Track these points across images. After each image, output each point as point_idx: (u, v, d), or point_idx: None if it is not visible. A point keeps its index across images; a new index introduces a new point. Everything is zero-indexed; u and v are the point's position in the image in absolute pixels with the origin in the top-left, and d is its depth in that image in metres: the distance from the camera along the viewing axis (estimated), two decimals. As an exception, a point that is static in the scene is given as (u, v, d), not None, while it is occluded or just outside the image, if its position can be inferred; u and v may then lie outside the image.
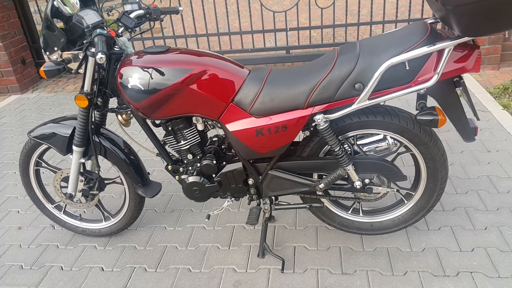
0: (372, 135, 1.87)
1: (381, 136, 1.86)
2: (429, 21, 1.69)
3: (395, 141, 1.85)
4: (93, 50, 1.74)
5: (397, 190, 2.01)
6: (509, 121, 3.11)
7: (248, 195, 2.00)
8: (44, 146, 2.14)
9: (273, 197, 2.04)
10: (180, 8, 2.12)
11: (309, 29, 4.54)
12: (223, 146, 2.01)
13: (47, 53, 1.83)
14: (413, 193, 1.98)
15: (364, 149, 1.89)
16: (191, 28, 6.73)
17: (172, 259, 2.16)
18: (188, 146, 1.94)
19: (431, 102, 1.78)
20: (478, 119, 1.70)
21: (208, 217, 2.05)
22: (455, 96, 1.66)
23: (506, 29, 1.38)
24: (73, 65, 1.86)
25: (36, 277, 2.14)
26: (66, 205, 2.31)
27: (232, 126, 1.77)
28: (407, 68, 1.56)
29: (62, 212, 2.37)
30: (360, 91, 1.62)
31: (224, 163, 1.96)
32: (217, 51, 4.80)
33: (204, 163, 1.91)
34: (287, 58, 4.66)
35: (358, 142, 1.90)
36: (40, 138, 2.07)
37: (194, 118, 1.89)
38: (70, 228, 2.37)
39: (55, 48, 1.81)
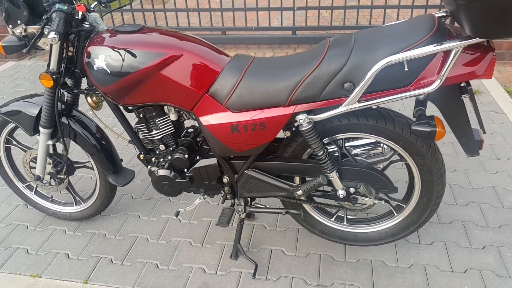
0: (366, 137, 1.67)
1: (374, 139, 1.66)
2: (439, 15, 1.45)
3: (390, 147, 1.65)
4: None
5: (386, 201, 1.82)
6: (525, 126, 2.86)
7: (222, 194, 1.83)
8: (12, 124, 2.00)
9: (249, 198, 1.87)
10: None
11: (318, 9, 4.25)
12: (198, 139, 1.83)
13: (10, 26, 1.65)
14: (404, 206, 1.79)
15: (356, 151, 1.70)
16: (193, 2, 6.41)
17: (140, 252, 2.03)
18: (160, 136, 1.78)
19: (432, 109, 1.56)
20: (484, 132, 1.48)
21: (177, 214, 1.90)
22: (460, 105, 1.44)
23: (524, 33, 1.16)
24: (41, 41, 1.69)
25: (0, 258, 2.04)
26: (37, 185, 2.18)
27: (205, 120, 1.59)
28: (406, 69, 1.35)
29: (33, 192, 2.25)
30: (349, 91, 1.42)
31: (198, 157, 1.79)
32: (219, 28, 4.56)
33: (176, 156, 1.74)
34: (293, 40, 4.39)
35: (350, 144, 1.70)
36: (7, 115, 1.93)
37: (166, 107, 1.71)
38: (41, 209, 2.26)
39: (18, 22, 1.63)
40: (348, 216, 1.92)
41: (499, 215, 2.11)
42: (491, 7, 1.12)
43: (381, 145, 1.66)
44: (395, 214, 1.83)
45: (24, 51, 1.59)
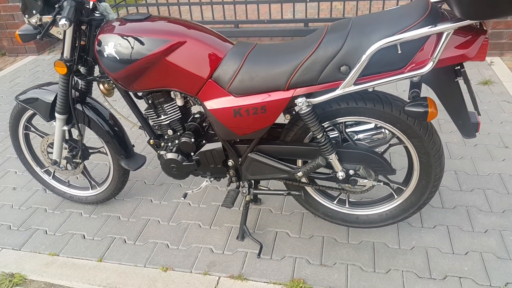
0: (368, 122, 1.72)
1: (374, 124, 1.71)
2: (434, 0, 1.48)
3: (388, 131, 1.69)
4: None
5: (386, 184, 1.87)
6: (536, 114, 2.84)
7: (227, 176, 1.91)
8: (31, 111, 2.11)
9: (253, 181, 1.94)
10: None
11: (330, 1, 4.27)
12: (204, 124, 1.91)
13: (26, 16, 1.76)
14: (404, 188, 1.83)
15: (359, 136, 1.74)
16: None
17: (152, 233, 2.13)
18: (168, 121, 1.86)
19: (432, 95, 1.59)
20: (479, 113, 1.51)
21: (185, 195, 1.99)
22: (455, 87, 1.47)
23: (511, 14, 1.18)
24: (55, 30, 1.79)
25: (21, 238, 2.17)
26: (55, 170, 2.30)
27: (210, 104, 1.67)
28: (399, 52, 1.39)
29: (51, 177, 2.38)
30: (345, 74, 1.47)
31: (204, 141, 1.86)
32: (232, 21, 4.62)
33: (182, 140, 1.82)
34: (305, 32, 4.42)
35: (353, 129, 1.75)
36: (25, 102, 2.04)
37: (172, 93, 1.79)
38: (58, 193, 2.38)
39: (34, 12, 1.73)
40: (350, 199, 1.97)
41: (504, 201, 2.12)
42: None
43: (383, 130, 1.70)
44: (395, 196, 1.87)
45: (37, 37, 1.70)
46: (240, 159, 1.81)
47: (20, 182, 2.61)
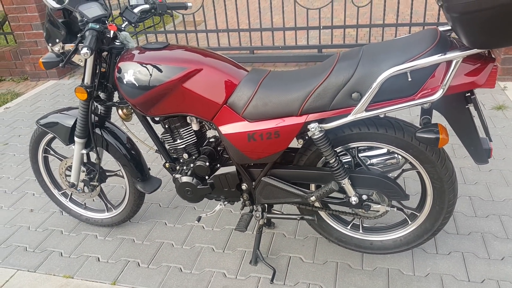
0: (380, 147, 1.73)
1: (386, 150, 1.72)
2: (443, 29, 1.52)
3: (401, 156, 1.71)
4: None
5: (400, 209, 1.86)
6: (552, 140, 2.82)
7: (241, 200, 1.93)
8: (50, 135, 2.18)
9: (267, 205, 1.95)
10: (189, 4, 2.07)
11: (343, 28, 4.35)
12: (219, 148, 1.95)
13: (49, 44, 1.85)
14: (418, 214, 1.82)
15: (372, 161, 1.76)
16: (223, 24, 6.65)
17: (166, 256, 2.14)
18: (184, 146, 1.90)
19: (443, 121, 1.61)
20: (490, 139, 1.52)
21: (199, 219, 2.01)
22: (466, 114, 1.49)
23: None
24: (76, 58, 1.87)
25: (37, 260, 2.21)
26: (72, 193, 2.36)
27: (224, 129, 1.71)
28: (410, 79, 1.42)
29: (68, 200, 2.43)
30: (357, 101, 1.50)
31: (218, 165, 1.90)
32: (248, 47, 4.73)
33: (197, 164, 1.86)
34: (319, 57, 4.50)
35: (366, 154, 1.76)
36: (46, 126, 2.11)
37: (188, 118, 1.84)
38: (75, 215, 2.42)
39: (57, 40, 1.82)
40: (363, 224, 1.97)
41: (521, 227, 2.09)
42: (481, 18, 1.18)
43: (396, 155, 1.72)
44: (409, 222, 1.86)
45: (60, 65, 1.78)
46: (253, 183, 1.84)
47: (37, 204, 2.67)
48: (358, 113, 1.50)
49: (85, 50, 1.59)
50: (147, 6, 1.98)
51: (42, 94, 4.51)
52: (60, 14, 1.83)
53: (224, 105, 1.71)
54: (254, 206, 1.91)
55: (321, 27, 4.38)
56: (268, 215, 1.94)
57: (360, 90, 1.48)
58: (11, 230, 2.45)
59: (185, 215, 2.43)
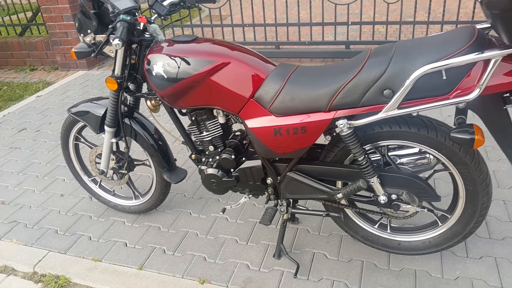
0: (411, 147, 1.68)
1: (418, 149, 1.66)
2: (481, 26, 1.44)
3: (433, 156, 1.64)
4: None
5: (430, 210, 1.80)
6: None
7: (266, 194, 1.92)
8: (81, 123, 2.23)
9: (291, 200, 1.93)
10: None
11: (372, 24, 4.21)
12: (244, 142, 1.94)
13: (81, 35, 1.87)
14: (449, 216, 1.75)
15: (401, 160, 1.70)
16: (249, 18, 6.56)
17: (190, 245, 2.17)
18: (210, 138, 1.90)
19: (476, 121, 1.53)
20: None
21: (224, 210, 2.01)
22: (503, 115, 1.41)
23: None
24: (107, 49, 1.89)
25: (67, 243, 2.28)
26: (101, 179, 2.41)
27: (251, 123, 1.69)
28: (444, 77, 1.35)
29: (97, 186, 2.49)
30: (388, 98, 1.45)
31: (244, 158, 1.89)
32: (273, 42, 4.67)
33: (223, 156, 1.86)
34: (346, 54, 4.39)
35: (396, 153, 1.71)
36: (77, 115, 2.16)
37: (215, 111, 1.84)
38: (104, 201, 2.48)
39: (88, 31, 1.85)
40: (391, 224, 1.92)
41: (559, 234, 1.99)
42: None
43: (427, 155, 1.66)
44: (440, 224, 1.80)
45: (92, 55, 1.80)
46: (279, 177, 1.82)
47: (67, 189, 2.75)
48: (389, 111, 1.45)
49: (116, 41, 1.60)
50: None
51: (72, 83, 4.62)
52: (91, 5, 1.85)
53: (251, 99, 1.69)
54: (279, 200, 1.90)
55: (350, 23, 4.25)
56: (293, 211, 1.92)
57: (392, 87, 1.43)
58: (43, 213, 2.54)
59: (209, 206, 2.44)
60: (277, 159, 1.82)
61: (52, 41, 4.96)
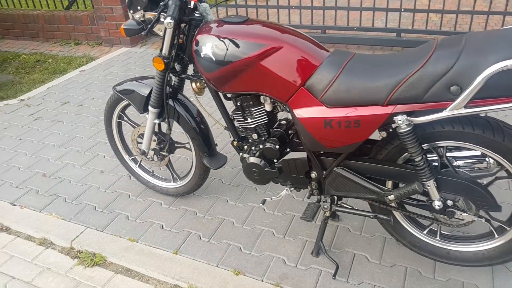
0: (471, 149, 1.54)
1: (480, 152, 1.52)
2: None
3: (497, 162, 1.50)
4: None
5: (487, 220, 1.66)
6: None
7: (309, 188, 1.83)
8: (125, 101, 2.21)
9: (336, 197, 1.83)
10: None
11: (427, 12, 3.97)
12: (290, 132, 1.85)
13: (131, 11, 1.83)
14: (508, 229, 1.61)
15: (458, 163, 1.57)
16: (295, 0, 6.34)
17: (226, 233, 2.12)
18: (254, 125, 1.83)
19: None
20: None
21: (263, 202, 1.95)
22: None
23: None
24: (156, 28, 1.84)
25: (105, 220, 2.29)
26: (141, 159, 2.40)
27: (299, 112, 1.60)
28: None
29: (137, 166, 2.48)
30: (456, 95, 1.31)
31: (288, 149, 1.80)
32: (319, 26, 4.50)
33: (267, 146, 1.78)
34: (397, 42, 4.16)
35: (452, 154, 1.58)
36: (122, 93, 2.14)
37: (262, 98, 1.75)
38: (142, 181, 2.47)
39: (138, 8, 1.80)
40: (442, 231, 1.79)
41: None
42: None
43: (487, 159, 1.51)
44: (496, 235, 1.65)
45: (143, 33, 1.76)
46: (324, 172, 1.73)
47: (107, 166, 2.76)
48: (456, 109, 1.32)
49: (168, 19, 1.54)
50: None
51: (114, 60, 4.65)
52: None
53: (302, 87, 1.59)
54: (322, 196, 1.81)
55: (402, 10, 4.02)
56: (337, 208, 1.82)
57: (461, 84, 1.30)
58: (83, 188, 2.56)
59: (246, 195, 2.38)
60: (324, 152, 1.72)
61: (97, 16, 5.00)
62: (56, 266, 2.04)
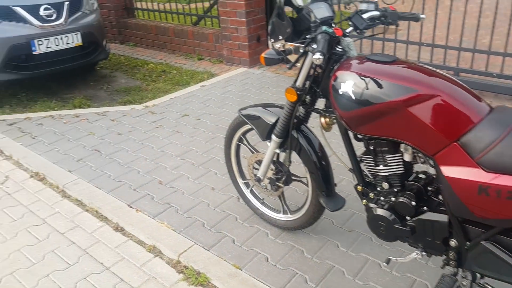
0: None
1: None
2: None
3: None
4: (314, 46, 1.60)
5: None
6: None
7: (444, 257, 1.58)
8: (249, 126, 2.19)
9: (478, 274, 1.56)
10: (422, 16, 1.78)
11: None
12: (429, 188, 1.63)
13: (272, 40, 1.80)
14: None
15: None
16: (428, 35, 5.84)
17: (335, 283, 1.96)
18: (387, 174, 1.65)
19: None
20: None
21: (388, 261, 1.74)
22: None
23: None
24: (292, 57, 1.78)
25: (212, 239, 2.28)
26: (254, 185, 2.36)
27: (448, 170, 1.39)
28: None
29: (249, 190, 2.45)
30: None
31: (425, 208, 1.59)
32: (453, 68, 4.09)
33: (401, 200, 1.59)
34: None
35: None
36: (247, 117, 2.13)
37: (402, 146, 1.57)
38: (251, 207, 2.43)
39: (280, 37, 1.76)
40: None
41: None
42: None
43: None
44: None
45: (287, 66, 1.71)
46: (468, 243, 1.47)
47: (218, 184, 2.78)
48: None
49: (318, 55, 1.46)
50: (377, 13, 1.77)
51: (233, 78, 4.77)
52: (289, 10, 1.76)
53: (455, 143, 1.38)
54: (461, 269, 1.55)
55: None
56: (478, 288, 1.55)
57: None
58: (194, 202, 2.61)
59: (360, 243, 2.19)
60: (470, 220, 1.47)
61: (222, 35, 5.21)
62: (162, 277, 2.07)
